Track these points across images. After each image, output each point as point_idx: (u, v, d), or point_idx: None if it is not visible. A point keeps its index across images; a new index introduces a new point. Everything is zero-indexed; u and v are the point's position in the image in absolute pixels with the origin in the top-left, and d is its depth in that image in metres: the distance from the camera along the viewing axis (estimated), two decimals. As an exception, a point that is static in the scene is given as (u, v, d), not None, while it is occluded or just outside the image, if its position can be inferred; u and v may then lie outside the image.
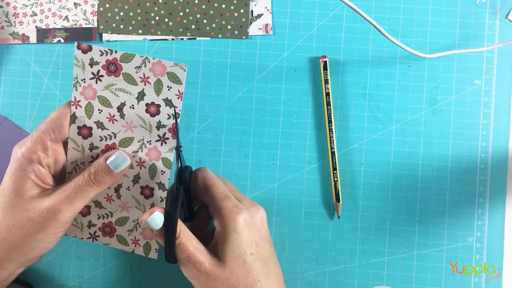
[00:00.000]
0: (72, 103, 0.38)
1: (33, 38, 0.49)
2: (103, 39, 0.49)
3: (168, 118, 0.38)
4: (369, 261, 0.48)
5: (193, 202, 0.43)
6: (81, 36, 0.49)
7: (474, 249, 0.48)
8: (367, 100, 0.49)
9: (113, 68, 0.37)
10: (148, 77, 0.37)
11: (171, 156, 0.39)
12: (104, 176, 0.38)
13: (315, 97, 0.49)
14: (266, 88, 0.49)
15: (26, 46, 0.49)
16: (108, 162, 0.38)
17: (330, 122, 0.48)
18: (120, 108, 0.38)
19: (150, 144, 0.39)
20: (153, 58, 0.37)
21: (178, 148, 0.38)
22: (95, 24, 0.49)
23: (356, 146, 0.49)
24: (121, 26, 0.49)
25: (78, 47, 0.37)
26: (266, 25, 0.49)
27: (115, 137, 0.39)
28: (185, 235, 0.37)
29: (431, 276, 0.48)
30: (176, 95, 0.38)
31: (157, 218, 0.37)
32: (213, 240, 0.39)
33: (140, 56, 0.37)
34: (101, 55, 0.37)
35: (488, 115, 0.49)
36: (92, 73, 0.37)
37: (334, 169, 0.48)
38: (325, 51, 0.49)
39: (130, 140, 0.39)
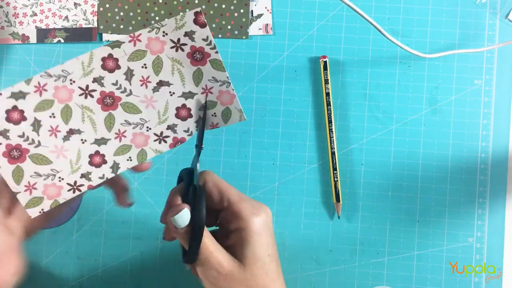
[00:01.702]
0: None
1: (33, 38, 0.49)
2: (103, 39, 0.49)
3: (185, 131, 0.37)
4: (369, 261, 0.48)
5: None
6: (81, 36, 0.49)
7: (474, 249, 0.48)
8: (367, 100, 0.49)
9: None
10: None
11: (151, 155, 0.37)
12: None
13: (315, 97, 0.49)
14: (266, 88, 0.49)
15: (26, 46, 0.49)
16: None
17: (330, 122, 0.48)
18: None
19: (147, 130, 0.36)
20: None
21: (199, 147, 0.37)
22: (95, 24, 0.49)
23: (356, 146, 0.49)
24: (121, 26, 0.49)
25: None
26: (266, 25, 0.49)
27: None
28: (206, 234, 0.36)
29: (431, 276, 0.48)
30: (210, 125, 0.38)
31: (185, 215, 0.34)
32: (231, 241, 0.38)
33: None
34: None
35: (488, 115, 0.49)
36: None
37: (334, 169, 0.47)
38: (325, 51, 0.49)
39: (137, 110, 0.35)
